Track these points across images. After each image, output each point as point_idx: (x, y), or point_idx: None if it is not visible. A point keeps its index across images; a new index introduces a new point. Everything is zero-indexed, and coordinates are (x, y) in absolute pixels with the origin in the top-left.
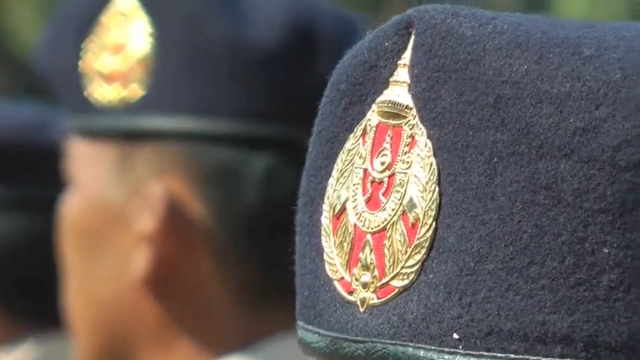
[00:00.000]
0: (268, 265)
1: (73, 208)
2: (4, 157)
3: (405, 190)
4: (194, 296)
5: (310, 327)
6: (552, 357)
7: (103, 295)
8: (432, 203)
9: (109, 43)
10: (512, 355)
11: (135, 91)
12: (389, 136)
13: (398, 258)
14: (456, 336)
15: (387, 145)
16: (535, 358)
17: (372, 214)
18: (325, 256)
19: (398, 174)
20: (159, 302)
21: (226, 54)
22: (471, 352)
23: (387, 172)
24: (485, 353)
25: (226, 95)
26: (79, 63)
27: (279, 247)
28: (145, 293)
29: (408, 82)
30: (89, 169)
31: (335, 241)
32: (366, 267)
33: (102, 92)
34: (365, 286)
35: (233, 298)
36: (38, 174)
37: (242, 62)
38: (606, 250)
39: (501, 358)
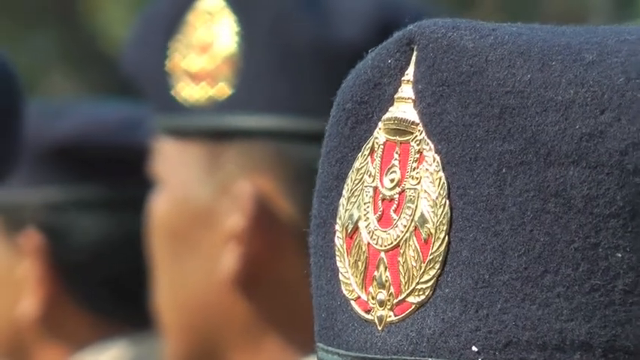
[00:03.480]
0: None
1: (161, 208)
2: (98, 156)
3: (416, 206)
4: (283, 294)
5: (330, 348)
6: None
7: (193, 294)
8: (444, 217)
9: (196, 42)
10: None
11: (222, 90)
12: (397, 152)
13: (413, 274)
14: (474, 349)
15: (396, 162)
16: None
17: (385, 231)
18: (340, 277)
19: (408, 190)
20: (248, 301)
21: (312, 52)
22: None
23: (397, 189)
24: None
25: (313, 93)
26: (166, 62)
27: None
28: (234, 292)
29: (413, 98)
30: (177, 169)
31: (349, 260)
32: (381, 285)
33: (189, 91)
34: (382, 304)
35: None
36: (131, 174)
37: (328, 60)
38: (619, 255)
39: None
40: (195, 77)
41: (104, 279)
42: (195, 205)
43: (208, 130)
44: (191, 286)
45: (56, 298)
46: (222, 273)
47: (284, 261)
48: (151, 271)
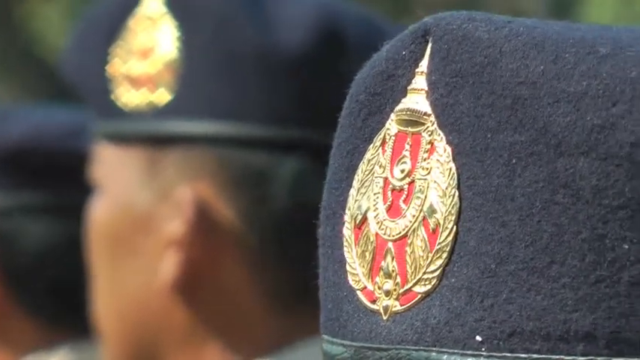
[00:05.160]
0: (298, 270)
1: (100, 213)
2: (44, 162)
3: (425, 196)
4: (224, 301)
5: (335, 339)
6: (575, 355)
7: (132, 300)
8: (452, 207)
9: (137, 47)
10: (535, 355)
11: (162, 95)
12: (408, 143)
13: (420, 264)
14: (478, 338)
15: (407, 153)
16: (557, 357)
17: (393, 221)
18: (347, 267)
19: (418, 180)
20: (188, 307)
21: (254, 58)
22: (494, 354)
23: (407, 180)
24: (509, 354)
25: (254, 99)
26: (106, 67)
27: (308, 251)
28: (174, 298)
29: (426, 89)
30: (117, 174)
31: (357, 251)
32: (388, 275)
33: (129, 97)
34: (388, 293)
35: (263, 303)
36: (71, 179)
37: (270, 66)
38: (626, 246)
39: (524, 358)
40: (136, 82)
41: (49, 285)
42: (135, 210)
43: (148, 136)
44: (130, 292)
45: (3, 304)
46: (161, 279)
47: (224, 267)
48: (90, 277)
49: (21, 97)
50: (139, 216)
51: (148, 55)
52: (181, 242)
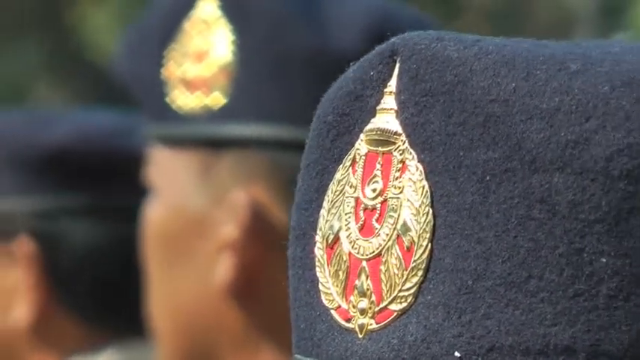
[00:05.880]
0: None
1: (155, 216)
2: (89, 164)
3: (399, 215)
4: (277, 303)
5: (309, 359)
6: None
7: (187, 302)
8: (427, 225)
9: (192, 50)
10: None
11: (217, 98)
12: (379, 163)
13: (395, 282)
14: (457, 354)
15: (378, 172)
16: None
17: (367, 240)
18: (320, 287)
19: (390, 199)
20: (242, 309)
21: (308, 61)
22: None
23: (380, 199)
24: None
25: (306, 102)
26: (161, 70)
27: None
28: (229, 301)
29: (396, 108)
30: (172, 177)
31: (330, 270)
32: (362, 293)
33: (184, 100)
34: (363, 312)
35: None
36: (122, 181)
37: (322, 69)
38: (604, 260)
39: None
40: (191, 85)
41: (93, 286)
42: (190, 213)
43: (202, 139)
44: (184, 294)
45: (47, 305)
46: (215, 282)
47: (279, 269)
48: (144, 278)
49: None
50: (194, 219)
51: (202, 58)
52: (236, 245)
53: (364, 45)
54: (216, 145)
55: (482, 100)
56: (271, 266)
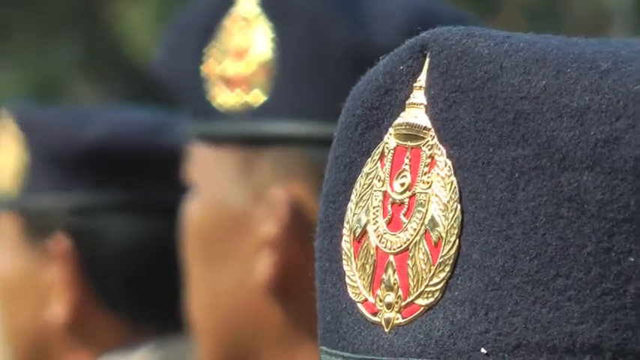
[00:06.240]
0: None
1: (195, 213)
2: (125, 160)
3: (427, 210)
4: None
5: (334, 351)
6: None
7: (227, 299)
8: (455, 221)
9: (232, 47)
10: None
11: (257, 96)
12: (407, 157)
13: (422, 277)
14: (483, 351)
15: (407, 167)
16: None
17: (394, 235)
18: (347, 280)
19: (418, 194)
20: (283, 307)
21: (346, 58)
22: None
23: (408, 193)
24: None
25: (345, 99)
26: (201, 67)
27: None
28: (269, 298)
29: (425, 103)
30: (211, 174)
31: (357, 264)
32: (389, 287)
33: (224, 97)
34: (389, 306)
35: None
36: (158, 178)
37: (362, 66)
38: (632, 259)
39: None
40: (231, 83)
41: (130, 283)
42: (230, 210)
43: (242, 137)
44: (224, 291)
45: (83, 302)
46: (256, 279)
47: None
48: (184, 274)
49: (107, 98)
50: (234, 216)
51: (242, 55)
52: (276, 243)
53: (402, 40)
54: (256, 142)
55: (513, 97)
56: (310, 264)
